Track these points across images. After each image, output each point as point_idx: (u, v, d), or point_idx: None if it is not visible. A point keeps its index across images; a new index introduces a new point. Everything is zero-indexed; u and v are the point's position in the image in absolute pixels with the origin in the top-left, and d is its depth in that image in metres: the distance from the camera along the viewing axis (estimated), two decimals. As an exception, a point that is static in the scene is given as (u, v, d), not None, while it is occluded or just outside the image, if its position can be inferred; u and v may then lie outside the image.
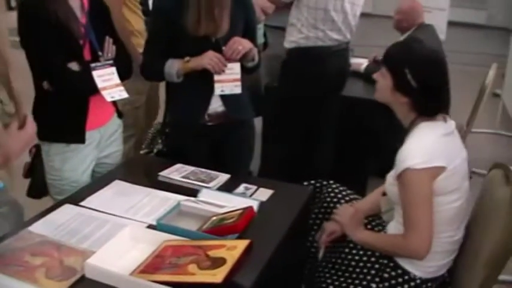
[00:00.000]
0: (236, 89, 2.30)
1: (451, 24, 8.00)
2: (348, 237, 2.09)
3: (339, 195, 2.28)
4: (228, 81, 2.29)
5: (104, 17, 2.25)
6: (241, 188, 2.13)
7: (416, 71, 1.84)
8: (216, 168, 2.27)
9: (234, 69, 2.28)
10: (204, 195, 2.02)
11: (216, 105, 2.36)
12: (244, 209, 1.82)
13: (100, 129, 2.26)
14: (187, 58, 2.26)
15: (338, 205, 2.24)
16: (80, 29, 2.11)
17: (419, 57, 1.88)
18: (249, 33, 2.39)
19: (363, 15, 3.44)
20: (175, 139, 2.45)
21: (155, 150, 2.48)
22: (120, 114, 2.38)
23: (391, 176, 1.98)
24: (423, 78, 1.84)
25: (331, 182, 2.36)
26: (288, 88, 3.19)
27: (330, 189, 2.31)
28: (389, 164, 4.14)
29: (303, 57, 3.13)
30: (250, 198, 2.04)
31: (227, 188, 2.12)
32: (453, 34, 6.93)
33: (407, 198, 1.84)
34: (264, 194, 2.09)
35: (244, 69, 2.32)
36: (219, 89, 2.29)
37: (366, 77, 4.01)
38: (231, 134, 2.43)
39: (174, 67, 2.27)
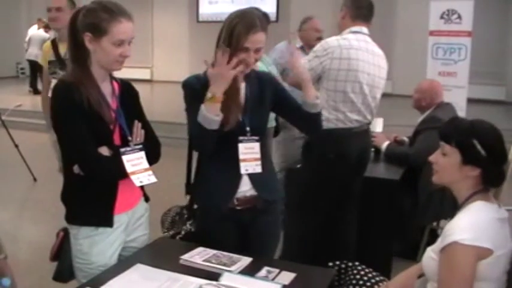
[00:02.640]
0: (257, 168, 2.36)
1: (471, 101, 8.09)
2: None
3: (365, 278, 2.26)
4: (251, 160, 2.35)
5: (133, 102, 2.34)
6: (263, 271, 2.12)
7: (483, 140, 1.88)
8: (242, 251, 2.28)
9: (255, 149, 2.36)
10: (226, 278, 2.02)
11: (245, 189, 2.38)
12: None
13: (128, 213, 2.30)
14: (209, 94, 2.18)
15: (364, 287, 2.20)
16: (110, 114, 2.19)
17: (481, 127, 1.93)
18: (291, 102, 2.44)
19: (382, 95, 3.51)
20: (203, 222, 2.47)
21: (183, 232, 2.49)
22: (147, 198, 2.42)
23: (432, 250, 1.96)
24: (491, 145, 1.89)
25: (357, 263, 2.34)
26: (311, 170, 3.21)
27: (355, 271, 2.29)
28: (415, 244, 4.13)
29: (325, 139, 3.15)
30: (272, 281, 2.03)
31: (249, 271, 2.11)
32: (473, 111, 6.97)
33: (448, 274, 1.81)
34: (287, 277, 2.07)
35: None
36: (244, 168, 2.34)
37: (387, 156, 4.06)
38: (259, 217, 2.44)
39: (202, 111, 2.18)
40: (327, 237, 3.34)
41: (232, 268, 2.11)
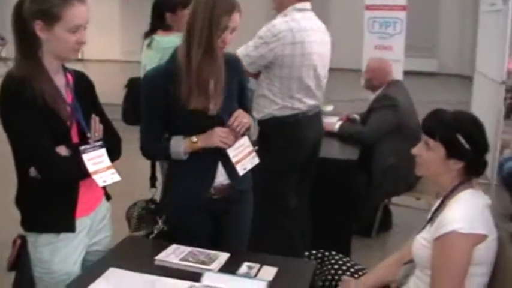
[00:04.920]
0: (254, 160, 2.31)
1: (406, 73, 8.25)
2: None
3: (343, 267, 2.24)
4: (246, 157, 2.28)
5: (89, 94, 2.16)
6: (244, 267, 2.04)
7: (467, 134, 1.89)
8: (216, 243, 2.21)
9: (245, 143, 2.29)
10: (208, 279, 1.92)
11: (221, 179, 2.31)
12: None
13: (90, 215, 2.14)
14: (194, 138, 2.21)
15: (343, 277, 2.18)
16: (66, 109, 2.01)
17: (464, 120, 1.94)
18: (244, 99, 2.39)
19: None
20: (176, 215, 2.37)
21: (156, 231, 2.38)
22: (108, 197, 2.27)
23: (423, 238, 1.96)
24: (474, 139, 1.90)
25: (333, 252, 2.31)
26: (269, 160, 3.11)
27: (333, 261, 2.27)
28: (368, 222, 4.17)
29: (281, 127, 3.05)
30: (255, 278, 1.95)
31: (229, 268, 2.03)
32: (408, 84, 7.12)
33: (444, 261, 1.82)
34: (269, 272, 2.00)
35: None
36: (241, 168, 2.27)
37: (341, 136, 4.05)
38: (232, 207, 2.38)
39: (180, 146, 2.22)
40: (286, 226, 3.24)
41: (212, 266, 2.02)
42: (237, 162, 2.27)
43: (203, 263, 2.05)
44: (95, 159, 2.04)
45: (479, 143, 1.92)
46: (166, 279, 1.94)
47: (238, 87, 2.36)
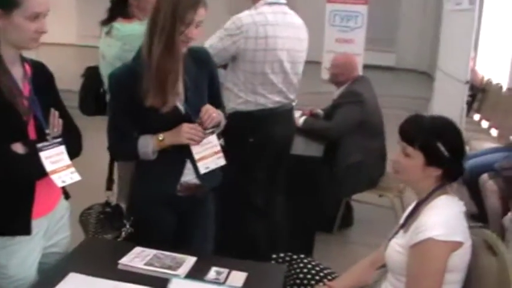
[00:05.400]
0: (220, 161, 2.21)
1: (365, 67, 8.31)
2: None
3: (313, 271, 2.18)
4: (210, 156, 2.19)
5: (48, 86, 2.02)
6: (212, 272, 1.95)
7: (447, 141, 1.86)
8: (181, 244, 2.14)
9: (212, 142, 2.19)
10: (175, 286, 1.83)
11: (190, 177, 2.23)
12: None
13: (48, 216, 2.01)
14: (161, 136, 2.12)
15: (312, 282, 2.13)
16: (23, 103, 1.86)
17: (443, 128, 1.91)
18: (215, 94, 2.31)
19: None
20: (142, 213, 2.28)
21: (124, 234, 2.28)
22: (67, 195, 2.14)
23: (397, 244, 1.92)
24: (453, 146, 1.88)
25: (302, 256, 2.25)
26: (235, 156, 3.02)
27: (302, 265, 2.21)
28: (330, 217, 4.15)
29: (245, 122, 2.95)
30: (226, 285, 1.88)
31: (197, 274, 1.94)
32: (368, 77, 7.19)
33: (421, 269, 1.78)
34: (238, 278, 1.93)
35: None
36: (203, 166, 2.18)
37: (306, 131, 4.00)
38: (198, 204, 2.31)
39: (148, 146, 2.13)
40: (255, 228, 3.17)
41: (179, 272, 1.93)
42: (200, 159, 2.18)
43: (169, 267, 1.96)
44: (54, 158, 1.91)
45: (458, 150, 1.90)
46: (130, 285, 1.84)
47: (208, 81, 2.28)
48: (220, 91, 2.44)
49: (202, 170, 2.19)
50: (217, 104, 2.31)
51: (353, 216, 4.45)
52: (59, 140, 1.94)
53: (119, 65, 2.78)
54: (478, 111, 5.95)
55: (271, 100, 2.98)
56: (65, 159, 1.94)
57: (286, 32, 2.95)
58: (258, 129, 2.97)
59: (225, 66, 3.05)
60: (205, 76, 2.27)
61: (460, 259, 1.81)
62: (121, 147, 2.24)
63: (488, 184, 3.83)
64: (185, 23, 2.07)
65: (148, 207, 2.26)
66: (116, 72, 2.21)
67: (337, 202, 4.22)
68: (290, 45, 2.98)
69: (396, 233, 2.01)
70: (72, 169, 1.95)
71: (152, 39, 2.09)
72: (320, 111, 4.28)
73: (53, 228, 2.05)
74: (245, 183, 3.03)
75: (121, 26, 3.06)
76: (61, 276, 1.87)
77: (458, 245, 1.79)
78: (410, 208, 2.06)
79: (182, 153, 2.17)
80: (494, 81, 6.14)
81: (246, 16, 2.88)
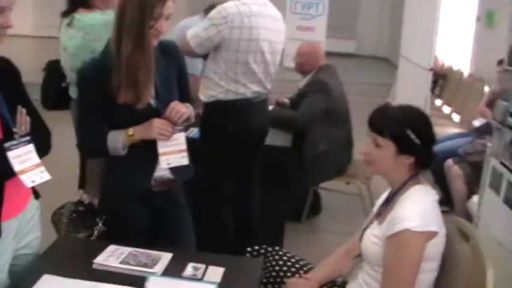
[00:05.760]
0: (183, 160, 2.18)
1: (326, 54, 8.35)
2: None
3: (288, 263, 2.18)
4: (174, 152, 2.15)
5: (13, 83, 1.95)
6: (189, 268, 1.94)
7: (417, 129, 1.88)
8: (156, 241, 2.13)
9: (179, 139, 2.16)
10: (153, 284, 1.81)
11: (163, 173, 2.21)
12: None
13: (18, 217, 1.94)
14: (131, 131, 2.09)
15: (288, 274, 2.13)
16: None
17: (412, 116, 1.94)
18: (184, 87, 2.29)
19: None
20: (115, 209, 2.26)
21: (96, 233, 2.24)
22: (37, 195, 2.07)
23: (373, 235, 1.94)
24: (423, 133, 1.90)
25: (277, 248, 2.26)
26: (211, 145, 3.02)
27: (277, 257, 2.21)
28: (300, 207, 4.18)
29: (224, 112, 2.98)
30: (203, 281, 1.86)
31: (173, 270, 1.92)
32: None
33: (398, 259, 1.80)
34: (216, 273, 1.92)
35: None
36: (165, 162, 2.15)
37: (272, 121, 3.99)
38: (171, 199, 2.31)
39: (118, 141, 2.09)
40: (234, 218, 3.19)
41: (155, 269, 1.90)
42: (163, 154, 2.16)
43: (145, 265, 1.93)
44: (22, 157, 1.84)
45: (428, 137, 1.93)
46: (106, 285, 1.80)
47: (177, 75, 2.26)
48: (189, 84, 2.41)
49: (163, 165, 2.16)
50: (186, 97, 2.30)
51: (321, 204, 4.49)
52: (27, 138, 1.87)
53: (82, 56, 2.74)
54: (439, 97, 6.07)
55: (250, 90, 3.01)
56: (34, 158, 1.87)
57: (267, 24, 2.99)
58: (238, 118, 3.00)
59: (205, 57, 3.06)
60: (174, 69, 2.25)
61: (435, 248, 1.84)
62: (90, 144, 2.20)
63: (453, 169, 3.92)
64: (154, 17, 2.03)
65: (121, 202, 2.23)
66: (83, 67, 2.17)
67: (305, 191, 4.25)
68: (271, 36, 3.01)
69: (371, 223, 2.03)
70: (42, 168, 1.89)
71: (120, 35, 2.05)
72: (286, 100, 4.28)
73: (23, 229, 1.99)
74: (218, 173, 3.04)
75: (82, 16, 3.00)
76: (34, 278, 1.81)
77: (433, 234, 1.82)
78: (383, 197, 2.08)
79: (154, 149, 2.15)
80: (455, 68, 6.27)
81: (231, 6, 2.90)
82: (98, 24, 2.83)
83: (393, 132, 1.89)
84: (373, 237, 1.93)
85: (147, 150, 2.15)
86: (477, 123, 4.42)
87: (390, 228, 1.83)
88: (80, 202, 2.49)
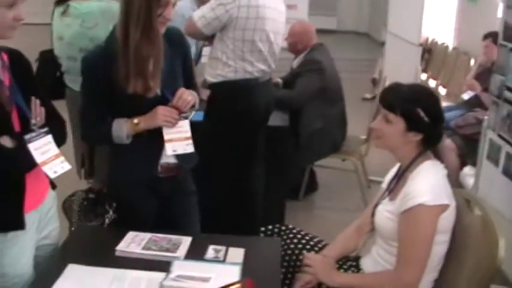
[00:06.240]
0: (188, 147, 2.18)
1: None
2: (324, 285, 2.06)
3: (303, 241, 2.24)
4: (179, 139, 2.16)
5: (26, 74, 1.94)
6: (210, 251, 1.98)
7: (426, 107, 1.94)
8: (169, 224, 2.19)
9: (184, 127, 2.16)
10: (178, 268, 1.85)
11: (168, 159, 2.22)
12: (240, 282, 1.69)
13: (38, 209, 1.96)
14: (136, 120, 2.10)
15: (304, 251, 2.19)
16: (5, 93, 1.79)
17: (422, 94, 2.00)
18: (189, 75, 2.29)
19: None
20: (123, 197, 2.26)
21: (107, 221, 2.25)
22: (53, 185, 2.09)
23: (387, 211, 1.99)
24: (432, 112, 1.96)
25: (291, 226, 2.31)
26: (218, 124, 3.04)
27: (291, 235, 2.26)
28: (297, 185, 4.23)
29: (232, 91, 3.01)
30: (227, 263, 1.91)
31: (196, 253, 1.96)
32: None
33: (412, 234, 1.87)
34: (237, 254, 1.97)
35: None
36: (171, 148, 2.15)
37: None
38: (179, 187, 2.33)
39: (123, 130, 2.09)
40: (238, 198, 3.23)
41: (178, 254, 1.94)
42: (169, 140, 2.16)
43: (168, 250, 1.97)
44: (42, 148, 1.85)
45: (436, 115, 1.98)
46: (135, 271, 1.83)
47: (182, 62, 2.26)
48: (194, 72, 2.43)
49: (169, 152, 2.17)
50: (191, 84, 2.30)
51: (317, 181, 4.56)
52: (45, 129, 1.88)
53: (80, 44, 2.73)
54: (425, 71, 6.14)
55: (257, 68, 3.05)
56: (53, 148, 1.89)
57: (271, 3, 3.03)
58: (245, 98, 3.04)
59: (210, 38, 3.09)
60: (179, 57, 2.24)
61: (447, 220, 1.92)
62: (95, 132, 2.20)
63: (446, 142, 4.00)
64: (162, 4, 2.03)
65: (129, 190, 2.24)
66: (88, 56, 2.16)
67: (302, 169, 4.31)
68: (274, 15, 3.05)
69: (382, 198, 2.09)
70: (62, 158, 1.90)
71: (128, 23, 2.03)
72: (279, 80, 4.31)
73: (43, 220, 2.01)
74: (223, 154, 3.07)
75: (78, 4, 2.98)
76: (59, 269, 1.83)
77: (446, 207, 1.89)
78: (391, 173, 2.14)
79: (159, 138, 2.15)
80: (439, 42, 6.33)
81: None
82: (94, 12, 2.82)
83: (404, 109, 1.94)
84: (387, 213, 1.99)
85: (152, 140, 2.15)
86: (466, 96, 4.50)
87: (404, 203, 1.89)
88: (90, 189, 2.50)
